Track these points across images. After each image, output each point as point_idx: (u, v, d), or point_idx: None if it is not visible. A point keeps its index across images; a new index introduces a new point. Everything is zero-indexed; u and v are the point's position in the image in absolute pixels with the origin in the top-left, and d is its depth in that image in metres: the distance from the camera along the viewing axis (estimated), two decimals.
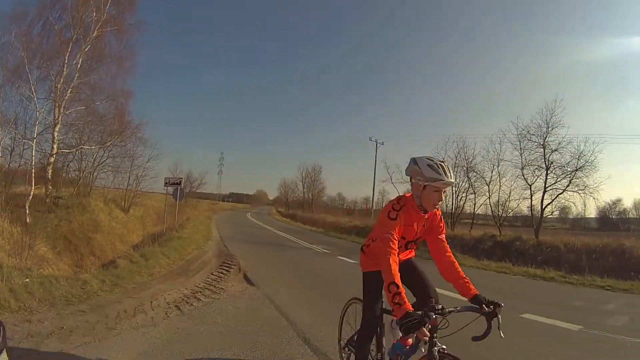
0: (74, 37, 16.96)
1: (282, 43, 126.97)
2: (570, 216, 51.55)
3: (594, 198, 19.56)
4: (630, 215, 57.99)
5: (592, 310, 7.87)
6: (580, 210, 32.45)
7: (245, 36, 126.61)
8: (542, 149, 20.70)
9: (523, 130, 21.46)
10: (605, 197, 42.18)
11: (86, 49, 17.26)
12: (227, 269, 10.29)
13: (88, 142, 17.90)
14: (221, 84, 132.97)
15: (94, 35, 17.48)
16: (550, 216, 24.39)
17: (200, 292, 7.53)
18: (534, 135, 21.03)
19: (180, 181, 19.62)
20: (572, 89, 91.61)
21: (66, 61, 16.23)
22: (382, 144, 41.37)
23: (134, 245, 13.65)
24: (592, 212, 45.71)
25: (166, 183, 19.27)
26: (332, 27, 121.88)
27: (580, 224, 52.79)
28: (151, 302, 6.45)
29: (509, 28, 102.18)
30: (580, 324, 6.38)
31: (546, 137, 20.52)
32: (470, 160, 26.10)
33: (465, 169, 26.30)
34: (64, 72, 16.14)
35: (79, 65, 16.85)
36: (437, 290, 3.29)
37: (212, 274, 9.62)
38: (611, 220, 55.68)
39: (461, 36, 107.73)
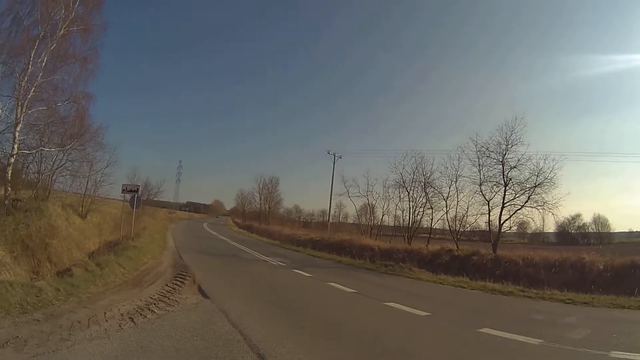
0: (41, 34, 16.67)
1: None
2: (529, 231, 54.31)
3: (552, 213, 19.82)
4: (590, 230, 60.88)
5: (553, 324, 7.96)
6: (539, 225, 34.11)
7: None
8: (500, 166, 20.81)
9: (482, 147, 21.69)
10: (565, 212, 42.81)
11: (52, 47, 16.93)
12: (181, 280, 10.42)
13: (48, 144, 17.47)
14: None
15: (60, 33, 17.18)
16: (509, 231, 24.27)
17: (155, 304, 7.63)
18: (493, 152, 21.18)
19: (137, 188, 19.39)
20: (533, 109, 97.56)
21: (31, 59, 15.87)
22: (340, 157, 41.44)
23: (90, 253, 13.52)
24: (551, 227, 48.18)
25: (123, 190, 19.03)
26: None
27: (539, 238, 55.69)
28: (105, 313, 6.55)
29: (477, 53, 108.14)
30: (541, 337, 6.42)
31: (505, 154, 20.66)
32: (428, 175, 26.90)
33: (422, 184, 27.16)
34: (29, 70, 15.74)
35: (43, 64, 16.49)
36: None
37: (166, 285, 9.72)
38: (570, 234, 58.44)
39: (432, 60, 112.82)
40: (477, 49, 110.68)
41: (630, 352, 5.85)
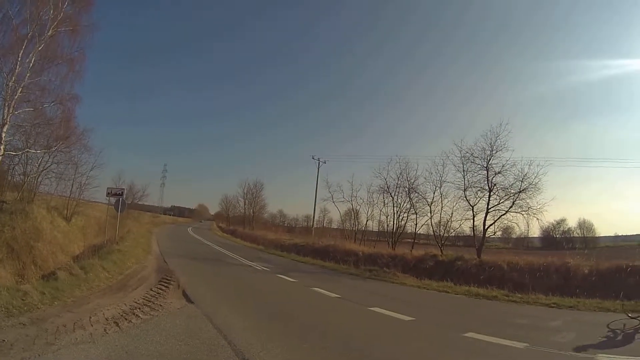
0: (29, 34, 16.57)
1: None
2: (514, 236, 54.52)
3: (537, 219, 19.99)
4: (575, 235, 60.38)
5: (537, 328, 8.01)
6: (523, 230, 34.33)
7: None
8: (485, 171, 20.88)
9: (467, 152, 21.80)
10: (550, 217, 43.13)
11: (40, 48, 16.83)
12: (166, 285, 10.46)
13: (34, 145, 17.27)
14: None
15: (48, 34, 17.02)
16: (493, 236, 24.54)
17: (139, 308, 7.68)
18: (477, 157, 21.28)
19: (122, 192, 19.52)
20: (520, 114, 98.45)
21: (19, 59, 15.72)
22: (325, 163, 41.53)
23: (74, 257, 13.49)
24: (535, 232, 48.14)
25: (108, 193, 19.04)
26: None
27: (523, 243, 55.48)
28: (90, 317, 6.59)
29: (467, 59, 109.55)
30: (526, 341, 6.48)
31: (490, 160, 20.74)
32: (412, 181, 27.04)
33: (407, 189, 27.31)
34: (17, 70, 15.57)
35: (31, 64, 16.36)
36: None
37: (151, 289, 9.77)
38: (555, 239, 58.19)
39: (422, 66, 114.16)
40: (468, 54, 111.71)
41: (615, 355, 5.99)
